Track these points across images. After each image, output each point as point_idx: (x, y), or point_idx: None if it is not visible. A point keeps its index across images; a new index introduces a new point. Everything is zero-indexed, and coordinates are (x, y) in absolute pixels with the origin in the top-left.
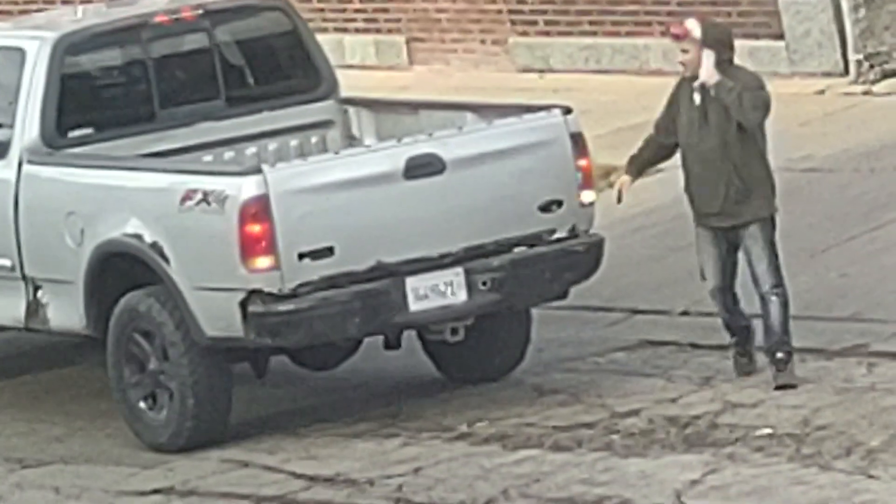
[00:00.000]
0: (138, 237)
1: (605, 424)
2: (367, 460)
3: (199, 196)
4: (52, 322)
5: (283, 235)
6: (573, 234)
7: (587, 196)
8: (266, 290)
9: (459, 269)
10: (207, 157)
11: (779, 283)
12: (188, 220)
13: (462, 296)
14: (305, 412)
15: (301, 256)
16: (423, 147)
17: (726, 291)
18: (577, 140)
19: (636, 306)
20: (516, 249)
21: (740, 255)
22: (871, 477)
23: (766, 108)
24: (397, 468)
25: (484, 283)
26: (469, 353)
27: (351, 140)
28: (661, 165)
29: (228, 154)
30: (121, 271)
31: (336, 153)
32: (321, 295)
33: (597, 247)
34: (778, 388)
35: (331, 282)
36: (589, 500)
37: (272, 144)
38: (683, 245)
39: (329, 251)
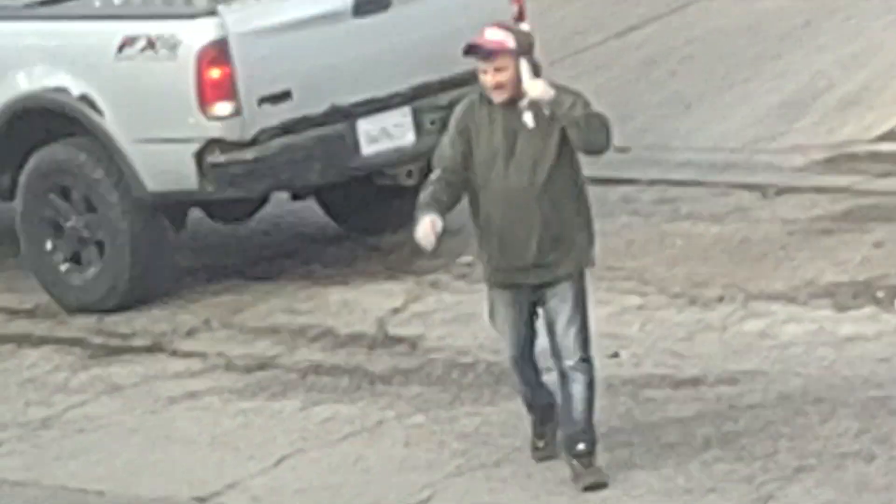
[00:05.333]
0: (62, 90)
1: (305, 254)
2: None
3: (141, 43)
4: None
5: (244, 80)
6: None
7: (523, 28)
8: (227, 138)
9: (407, 109)
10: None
11: (586, 357)
12: (128, 69)
13: (410, 137)
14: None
15: (261, 101)
16: None
17: (527, 361)
18: None
19: None
20: (463, 88)
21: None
22: None
23: (610, 129)
24: None
25: (432, 123)
26: (367, 205)
27: None
28: None
29: None
30: (31, 129)
31: None
32: (283, 141)
33: None
34: (586, 489)
35: (288, 127)
36: (292, 329)
37: None
38: None
39: (287, 95)
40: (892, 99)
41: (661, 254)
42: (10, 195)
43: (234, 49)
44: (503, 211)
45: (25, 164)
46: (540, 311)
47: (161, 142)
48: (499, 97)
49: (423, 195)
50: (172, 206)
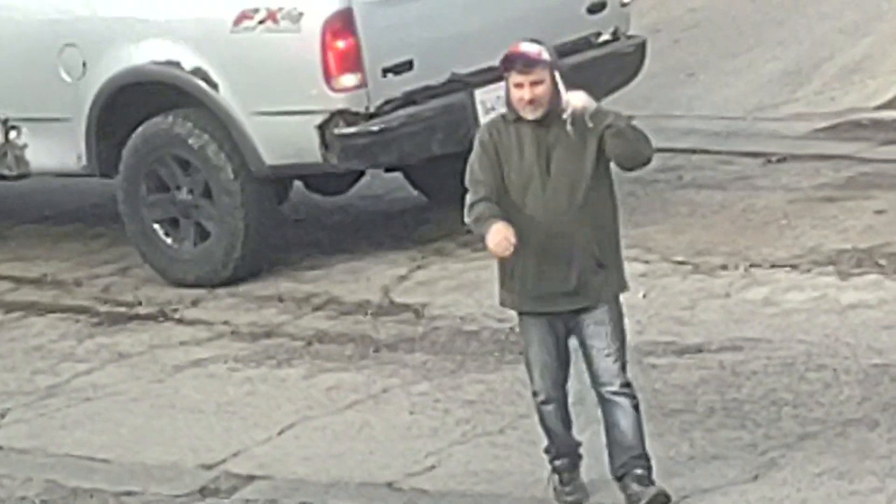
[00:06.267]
0: (174, 64)
1: (311, 222)
2: (74, 261)
3: (260, 15)
4: (32, 164)
5: (368, 50)
6: (615, 36)
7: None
8: (352, 109)
9: None
10: None
11: (629, 381)
12: (245, 42)
13: None
14: (12, 215)
15: (385, 72)
16: None
17: (564, 397)
18: None
19: None
20: (571, 57)
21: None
22: None
23: (650, 141)
24: (104, 269)
25: None
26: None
27: None
28: None
29: None
30: (137, 103)
31: None
32: (408, 111)
33: (642, 48)
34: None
35: (411, 97)
36: (297, 297)
37: None
38: None
39: (409, 65)
40: (895, 67)
41: (664, 221)
42: (108, 170)
43: (359, 19)
44: (542, 235)
45: (130, 137)
46: (574, 337)
47: (281, 114)
48: (533, 113)
49: (478, 211)
50: (280, 179)
